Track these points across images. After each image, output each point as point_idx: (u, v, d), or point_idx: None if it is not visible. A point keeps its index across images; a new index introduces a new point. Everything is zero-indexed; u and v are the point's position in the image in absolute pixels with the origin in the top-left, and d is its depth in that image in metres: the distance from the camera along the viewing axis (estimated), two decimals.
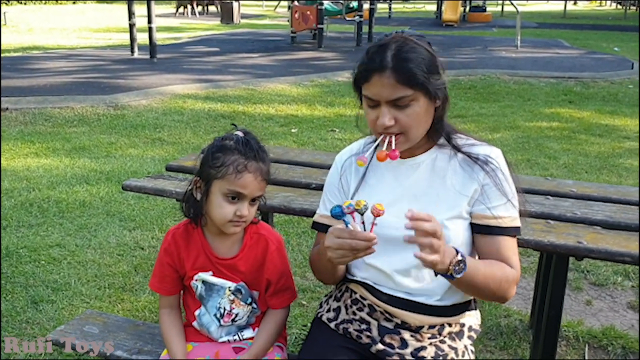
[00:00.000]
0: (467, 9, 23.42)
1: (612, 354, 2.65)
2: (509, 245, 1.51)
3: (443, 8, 21.87)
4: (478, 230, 1.52)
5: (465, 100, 8.21)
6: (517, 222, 1.53)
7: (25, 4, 27.58)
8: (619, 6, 34.74)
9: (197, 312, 1.72)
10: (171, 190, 2.28)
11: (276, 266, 1.68)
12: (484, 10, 23.61)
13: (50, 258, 3.43)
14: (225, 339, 1.72)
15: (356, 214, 1.33)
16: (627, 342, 2.71)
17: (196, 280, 1.68)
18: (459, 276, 1.34)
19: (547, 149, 5.85)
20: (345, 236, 1.33)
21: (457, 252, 1.35)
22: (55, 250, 3.53)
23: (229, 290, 1.66)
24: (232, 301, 1.67)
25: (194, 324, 1.75)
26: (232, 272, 1.67)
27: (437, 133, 1.54)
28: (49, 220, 3.96)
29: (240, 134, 1.61)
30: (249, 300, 1.69)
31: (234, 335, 1.72)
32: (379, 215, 1.31)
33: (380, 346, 1.55)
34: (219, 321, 1.69)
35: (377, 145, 1.48)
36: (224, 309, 1.68)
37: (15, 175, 4.81)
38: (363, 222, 1.34)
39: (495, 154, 1.53)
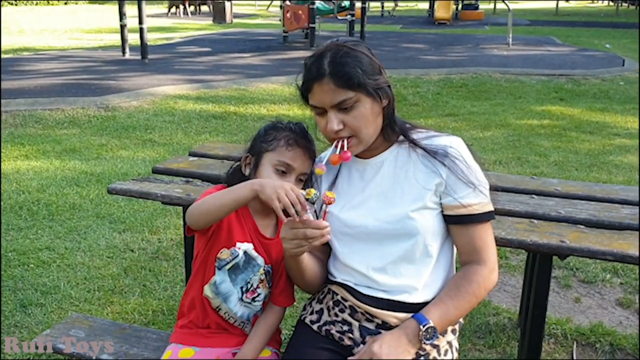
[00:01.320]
0: (460, 6, 23.46)
1: (600, 351, 2.66)
2: (482, 234, 1.54)
3: (435, 6, 21.89)
4: (451, 220, 1.55)
5: (456, 98, 8.23)
6: (488, 207, 1.55)
7: (16, 5, 27.47)
8: (611, 3, 34.89)
9: (214, 279, 1.67)
10: (157, 193, 2.27)
11: None
12: (477, 8, 23.66)
13: (40, 261, 3.42)
14: (237, 318, 1.70)
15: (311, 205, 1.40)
16: (615, 339, 2.72)
17: (239, 248, 1.66)
18: (435, 338, 1.46)
19: (537, 146, 5.87)
20: (299, 226, 1.39)
21: (420, 322, 1.45)
22: (44, 253, 3.52)
23: (263, 270, 1.68)
24: (261, 280, 1.69)
25: (206, 289, 1.69)
26: (266, 252, 1.69)
27: (393, 131, 1.57)
28: (38, 223, 3.95)
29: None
30: (271, 284, 1.72)
31: (242, 322, 1.72)
32: (330, 203, 1.38)
33: (362, 348, 1.55)
34: (242, 295, 1.69)
35: (332, 152, 1.52)
36: (251, 285, 1.68)
37: (4, 177, 4.79)
38: (315, 211, 1.41)
39: (455, 144, 1.55)
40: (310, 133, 1.72)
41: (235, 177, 1.73)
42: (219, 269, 1.67)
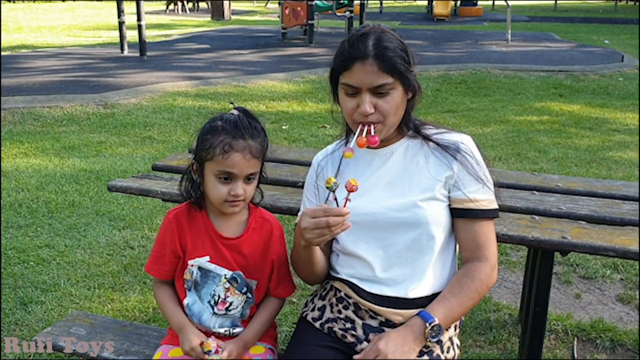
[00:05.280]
0: (458, 3, 23.43)
1: (600, 347, 2.66)
2: (486, 230, 1.55)
3: (434, 3, 21.86)
4: (457, 214, 1.56)
5: (455, 95, 8.23)
6: (494, 205, 1.57)
7: (14, 2, 27.38)
8: None
9: (185, 302, 1.70)
10: (157, 190, 2.26)
11: (280, 250, 1.71)
12: (475, 4, 23.64)
13: (40, 259, 3.41)
14: (218, 330, 1.69)
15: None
16: (616, 334, 2.72)
17: (192, 265, 1.66)
18: (440, 336, 1.46)
19: (537, 142, 5.86)
20: (320, 214, 1.38)
21: (426, 320, 1.45)
22: (44, 250, 3.52)
23: (225, 278, 1.66)
24: (227, 289, 1.67)
25: None
26: (234, 254, 1.67)
27: (407, 125, 1.59)
28: (38, 220, 3.94)
29: (235, 112, 1.63)
30: (244, 289, 1.69)
31: (226, 329, 1.70)
32: (353, 191, 1.37)
33: (365, 345, 1.55)
34: (213, 308, 1.68)
35: (358, 136, 1.51)
36: (219, 297, 1.67)
37: (4, 175, 4.78)
38: (335, 199, 1.39)
39: (466, 141, 1.58)
40: (256, 120, 1.64)
41: (189, 185, 1.68)
42: (189, 291, 1.69)
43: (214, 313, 1.68)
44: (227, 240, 1.67)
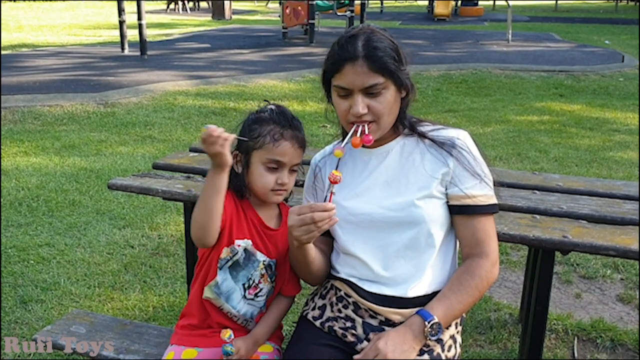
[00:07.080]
0: (459, 2, 23.43)
1: (600, 347, 2.66)
2: (485, 226, 1.54)
3: (435, 2, 21.86)
4: (455, 211, 1.55)
5: (456, 94, 8.22)
6: (492, 200, 1.56)
7: (15, 1, 27.38)
8: None
9: (217, 279, 1.66)
10: (157, 188, 2.26)
11: None
12: (476, 4, 23.63)
13: (40, 257, 3.41)
14: (242, 312, 1.68)
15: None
16: (616, 334, 2.72)
17: (239, 246, 1.65)
18: (440, 334, 1.45)
19: (537, 142, 5.86)
20: (306, 211, 1.38)
21: (425, 318, 1.45)
22: (44, 249, 3.52)
23: (263, 264, 1.67)
24: (262, 275, 1.68)
25: (206, 291, 1.67)
26: (271, 244, 1.69)
27: (402, 123, 1.59)
28: (38, 219, 3.94)
29: (272, 107, 1.67)
30: (273, 278, 1.71)
31: (246, 318, 1.71)
32: (337, 182, 1.39)
33: (365, 344, 1.55)
34: (245, 291, 1.68)
35: (351, 136, 1.51)
36: (253, 281, 1.68)
37: (4, 174, 4.77)
38: (326, 197, 1.41)
39: (462, 136, 1.57)
40: (297, 117, 1.68)
41: (230, 174, 1.67)
42: (220, 269, 1.67)
43: (244, 296, 1.68)
44: (269, 230, 1.69)
